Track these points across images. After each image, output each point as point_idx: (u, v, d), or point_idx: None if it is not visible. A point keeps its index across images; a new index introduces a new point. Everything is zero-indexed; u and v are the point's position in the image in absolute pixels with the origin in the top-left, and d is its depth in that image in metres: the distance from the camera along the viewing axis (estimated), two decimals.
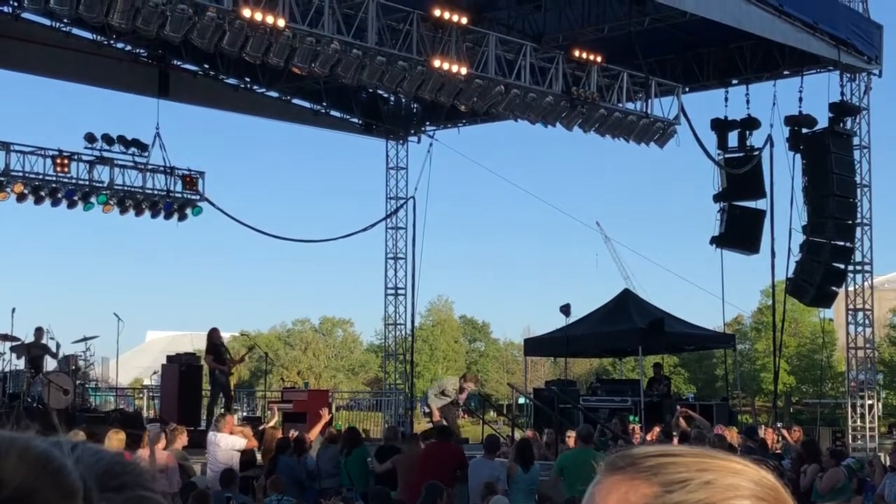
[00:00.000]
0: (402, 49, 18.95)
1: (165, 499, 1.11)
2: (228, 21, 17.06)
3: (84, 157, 24.72)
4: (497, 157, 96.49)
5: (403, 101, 29.17)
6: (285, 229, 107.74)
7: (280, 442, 15.38)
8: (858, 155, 25.06)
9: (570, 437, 17.34)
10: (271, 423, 18.29)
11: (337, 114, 29.93)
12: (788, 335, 49.57)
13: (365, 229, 28.84)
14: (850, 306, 25.76)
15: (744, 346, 60.34)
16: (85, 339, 21.84)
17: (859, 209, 24.94)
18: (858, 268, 25.34)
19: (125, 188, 25.33)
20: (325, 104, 29.12)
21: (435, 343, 73.75)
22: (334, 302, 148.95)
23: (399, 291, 31.04)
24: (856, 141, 25.09)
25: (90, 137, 24.65)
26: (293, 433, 16.42)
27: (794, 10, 22.74)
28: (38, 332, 20.75)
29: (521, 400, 36.36)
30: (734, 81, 25.99)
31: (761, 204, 25.47)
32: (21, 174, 23.92)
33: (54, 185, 24.32)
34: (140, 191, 25.51)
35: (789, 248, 24.37)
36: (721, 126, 26.09)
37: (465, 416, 43.25)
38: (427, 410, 19.31)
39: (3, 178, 23.66)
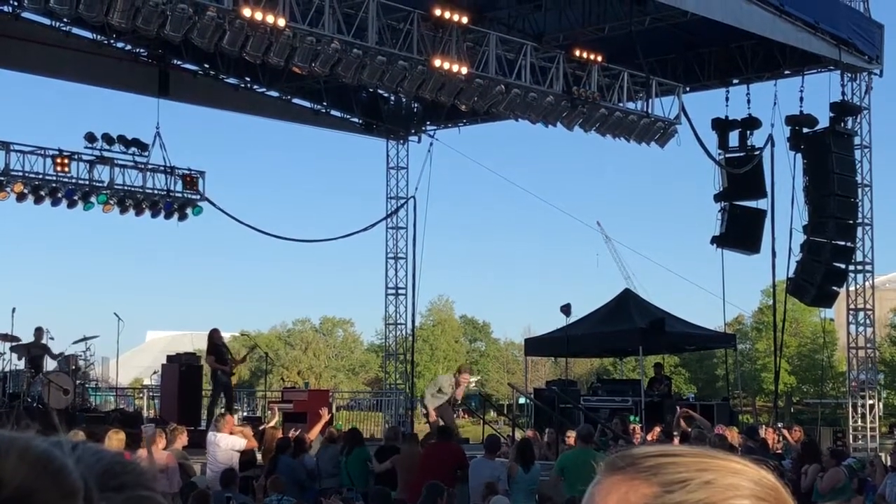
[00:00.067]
0: (403, 49, 18.95)
1: (166, 499, 1.11)
2: (228, 20, 17.06)
3: (84, 157, 24.72)
4: (498, 156, 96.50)
5: (404, 100, 29.17)
6: (286, 229, 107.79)
7: (280, 442, 15.37)
8: (859, 155, 25.06)
9: (571, 437, 17.35)
10: (272, 423, 18.29)
11: (337, 113, 29.93)
12: (789, 335, 49.54)
13: (365, 229, 28.87)
14: (851, 306, 25.76)
15: (744, 345, 60.33)
16: (85, 338, 21.85)
17: (860, 209, 24.94)
18: (859, 268, 25.33)
19: (125, 188, 25.33)
20: (325, 104, 29.12)
21: (435, 343, 73.76)
22: (335, 302, 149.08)
23: (399, 291, 31.05)
24: (857, 141, 25.09)
25: (90, 137, 24.65)
26: (294, 432, 16.42)
27: (794, 10, 22.74)
28: (38, 332, 20.75)
29: (522, 400, 36.41)
30: (735, 81, 25.99)
31: (762, 204, 25.51)
32: (21, 174, 23.91)
33: (54, 185, 24.31)
34: (140, 190, 25.51)
35: (790, 248, 24.41)
36: (722, 126, 26.09)
37: (466, 415, 43.33)
38: (425, 412, 19.28)
39: (3, 178, 23.65)
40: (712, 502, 1.15)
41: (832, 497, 13.46)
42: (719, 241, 25.95)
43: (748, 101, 25.79)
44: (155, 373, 30.51)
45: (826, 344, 40.99)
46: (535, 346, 29.01)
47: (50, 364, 20.64)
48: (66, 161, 24.26)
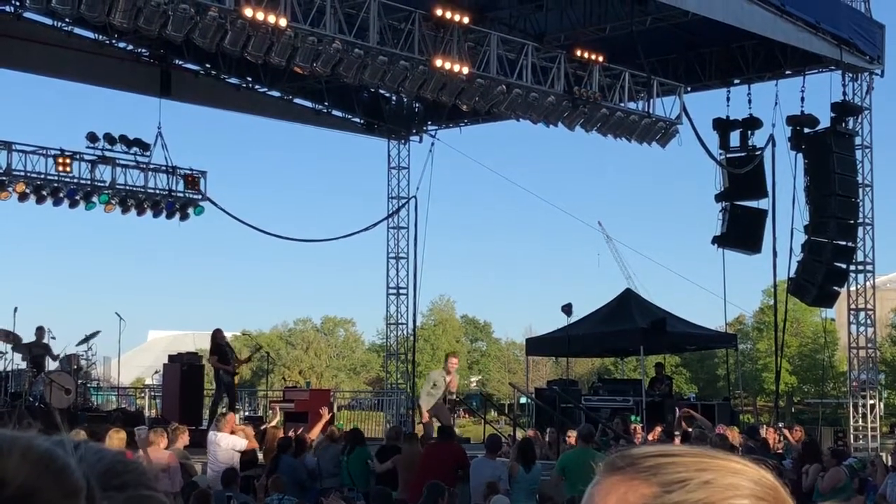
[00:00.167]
0: (404, 49, 18.95)
1: (167, 498, 1.12)
2: (230, 21, 17.06)
3: (86, 157, 24.72)
4: (499, 156, 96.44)
5: (405, 100, 29.17)
6: (287, 229, 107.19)
7: (281, 441, 15.37)
8: (860, 155, 25.04)
9: (572, 437, 17.34)
10: (273, 423, 18.28)
11: (339, 113, 29.92)
12: (790, 335, 49.51)
13: (366, 229, 28.87)
14: (852, 306, 25.74)
15: (745, 345, 60.31)
16: (87, 338, 21.86)
17: (861, 209, 24.92)
18: (860, 268, 25.31)
19: (127, 188, 25.33)
20: (326, 104, 29.11)
21: (437, 343, 73.71)
22: (336, 301, 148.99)
23: (401, 291, 31.03)
24: (858, 141, 25.06)
25: (92, 137, 24.66)
26: (294, 432, 16.41)
27: (796, 10, 22.73)
28: (40, 331, 20.76)
29: (523, 399, 36.39)
30: (736, 81, 25.97)
31: (763, 204, 25.50)
32: (23, 174, 23.92)
33: (56, 185, 24.32)
34: (142, 190, 25.51)
35: (791, 248, 24.38)
36: (723, 126, 26.08)
37: (467, 415, 43.30)
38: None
39: (4, 178, 23.66)
40: (711, 502, 1.15)
41: (833, 497, 13.44)
42: (720, 240, 25.94)
43: (749, 101, 25.81)
44: (156, 372, 30.56)
45: (827, 344, 41.03)
46: (537, 345, 28.99)
47: (51, 364, 20.66)
48: (67, 161, 24.26)
